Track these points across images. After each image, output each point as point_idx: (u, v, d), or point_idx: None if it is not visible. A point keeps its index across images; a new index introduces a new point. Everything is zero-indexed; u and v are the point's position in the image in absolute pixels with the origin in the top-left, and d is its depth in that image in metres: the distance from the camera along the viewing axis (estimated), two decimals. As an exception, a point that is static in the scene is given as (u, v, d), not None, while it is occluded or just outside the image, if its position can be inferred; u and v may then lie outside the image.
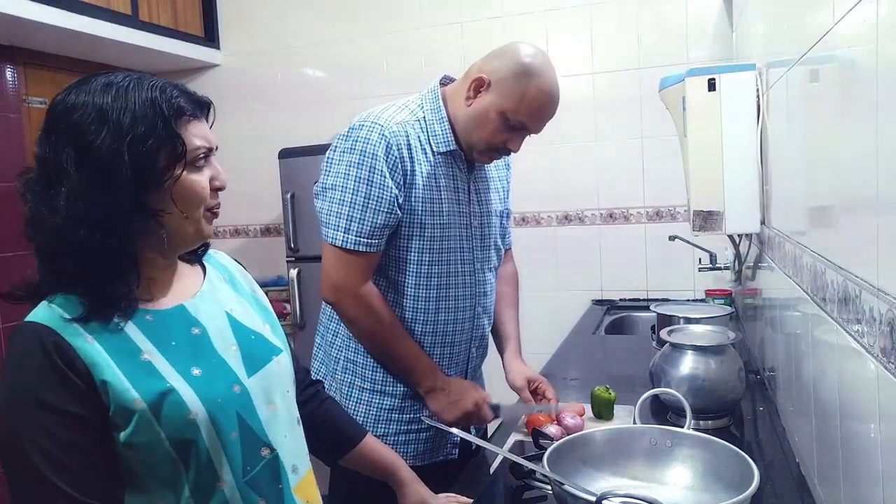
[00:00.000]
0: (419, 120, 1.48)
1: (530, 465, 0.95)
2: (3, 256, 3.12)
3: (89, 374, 0.84)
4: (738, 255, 2.27)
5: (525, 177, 2.59)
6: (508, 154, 1.52)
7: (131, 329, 0.88)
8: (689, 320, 1.93)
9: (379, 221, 1.40)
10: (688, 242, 2.59)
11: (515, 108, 1.41)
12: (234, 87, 3.76)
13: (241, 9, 3.83)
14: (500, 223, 1.67)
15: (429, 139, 1.47)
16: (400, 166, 1.41)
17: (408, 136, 1.43)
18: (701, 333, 1.58)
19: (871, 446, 0.80)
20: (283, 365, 1.03)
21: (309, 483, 1.03)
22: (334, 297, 1.46)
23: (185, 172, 0.89)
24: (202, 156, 0.92)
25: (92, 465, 0.84)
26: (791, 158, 1.32)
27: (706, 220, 1.75)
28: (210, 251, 1.08)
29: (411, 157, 1.43)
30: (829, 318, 0.97)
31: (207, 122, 0.97)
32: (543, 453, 1.02)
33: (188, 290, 0.99)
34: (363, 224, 1.39)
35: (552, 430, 1.41)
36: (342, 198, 1.40)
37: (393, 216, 1.42)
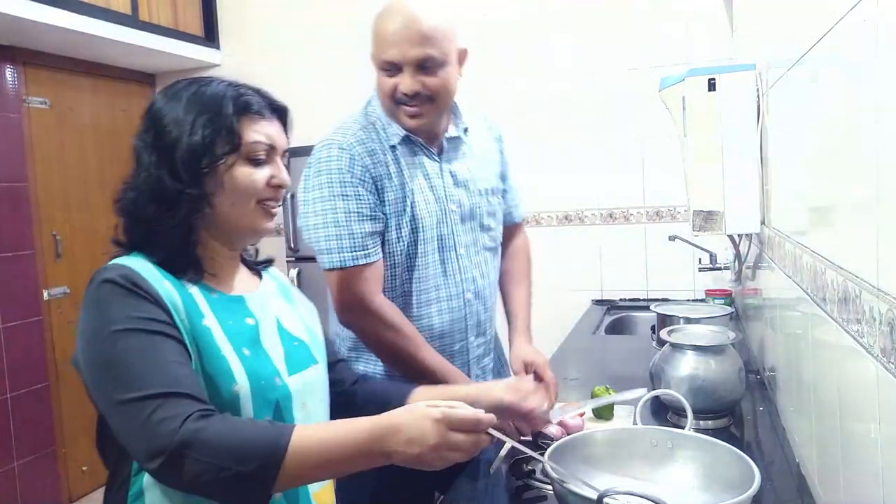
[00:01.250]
0: (371, 124, 1.49)
1: (537, 456, 0.95)
2: (4, 256, 3.12)
3: (167, 306, 0.91)
4: (738, 255, 2.27)
5: (525, 177, 2.59)
6: (416, 99, 1.41)
7: (198, 297, 0.97)
8: (689, 320, 1.93)
9: (366, 230, 1.41)
10: (688, 242, 2.60)
11: (375, 51, 1.43)
12: (234, 87, 3.75)
13: (241, 9, 3.83)
14: (496, 200, 1.62)
15: (382, 138, 1.47)
16: (369, 173, 1.43)
17: (364, 143, 1.45)
18: (701, 333, 1.58)
19: (871, 446, 0.80)
20: (319, 374, 1.09)
21: (328, 491, 1.07)
22: (350, 319, 1.45)
23: (238, 163, 0.97)
24: (261, 151, 0.99)
25: (184, 362, 0.89)
26: (791, 158, 1.32)
27: (706, 220, 1.75)
28: (270, 268, 1.17)
29: (374, 161, 1.44)
30: (829, 318, 0.96)
31: (283, 126, 1.06)
32: (543, 453, 1.02)
33: (248, 288, 1.07)
34: (353, 238, 1.40)
35: (552, 429, 1.41)
36: (325, 221, 1.41)
37: (378, 222, 1.43)
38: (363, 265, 1.41)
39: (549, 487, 1.17)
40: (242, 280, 1.07)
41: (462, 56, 1.49)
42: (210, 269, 1.00)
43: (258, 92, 1.03)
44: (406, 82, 1.40)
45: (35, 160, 3.31)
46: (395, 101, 1.43)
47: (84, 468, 3.51)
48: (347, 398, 1.18)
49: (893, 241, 0.69)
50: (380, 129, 1.48)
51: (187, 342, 0.91)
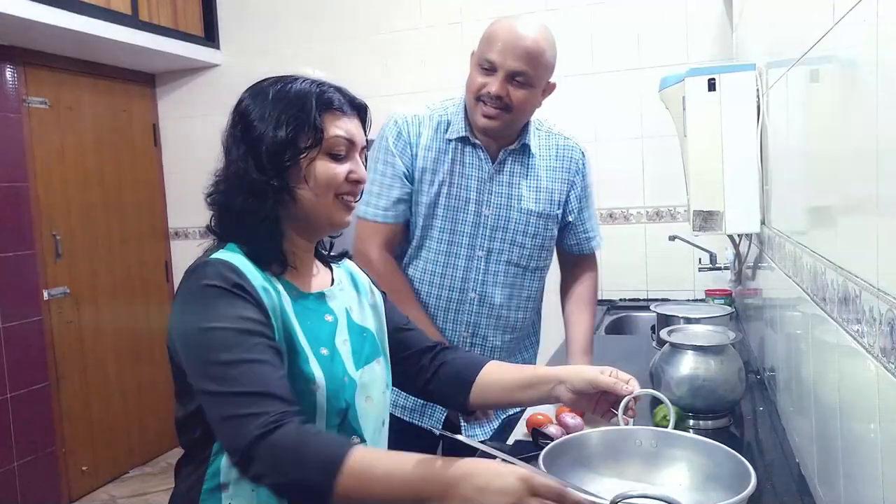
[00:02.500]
0: (441, 115, 1.64)
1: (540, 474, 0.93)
2: (4, 256, 3.12)
3: (265, 306, 0.96)
4: (738, 255, 2.27)
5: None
6: (495, 101, 1.52)
7: (284, 296, 1.01)
8: (689, 320, 1.93)
9: (393, 195, 1.61)
10: (688, 242, 2.60)
11: (481, 49, 1.54)
12: (233, 87, 3.71)
13: (241, 9, 3.83)
14: (541, 223, 1.67)
15: (446, 129, 1.63)
16: (409, 149, 1.61)
17: (419, 125, 1.62)
18: (701, 333, 1.57)
19: (871, 446, 0.80)
20: (382, 367, 1.13)
21: None
22: (357, 265, 1.55)
23: (320, 157, 1.01)
24: (342, 146, 1.03)
25: (274, 364, 0.93)
26: (791, 158, 1.31)
27: (706, 220, 1.75)
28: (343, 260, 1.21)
29: (419, 143, 1.61)
30: (829, 318, 0.96)
31: (363, 123, 1.09)
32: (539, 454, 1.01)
33: (324, 283, 1.12)
34: (380, 197, 1.61)
35: (552, 430, 1.41)
36: (370, 178, 1.59)
37: (404, 189, 1.61)
38: (374, 221, 1.61)
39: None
40: (319, 273, 1.12)
41: (549, 88, 1.62)
42: (292, 262, 1.04)
43: (339, 90, 1.06)
44: (496, 84, 1.51)
45: (35, 160, 3.31)
46: (477, 98, 1.54)
47: (84, 468, 3.51)
48: (420, 367, 1.22)
49: (893, 241, 0.69)
50: (447, 121, 1.63)
51: (279, 341, 0.96)
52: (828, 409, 1.01)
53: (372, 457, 0.89)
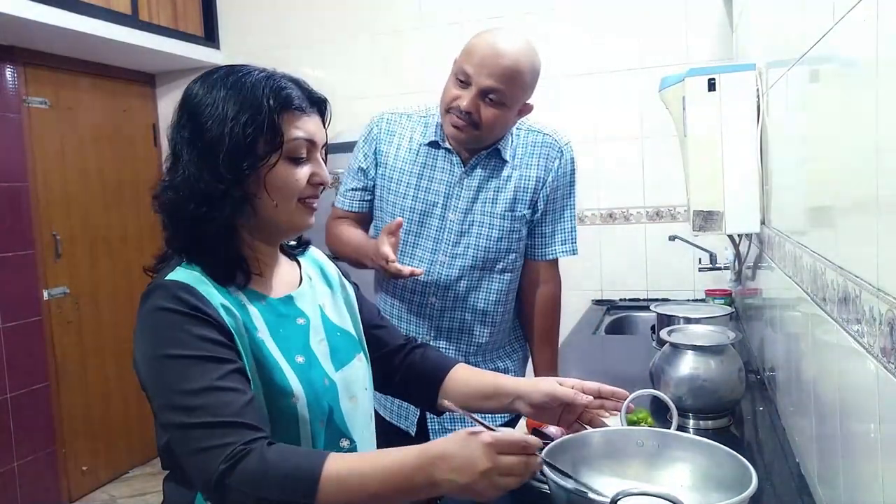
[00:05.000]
0: (421, 117, 1.64)
1: (579, 485, 0.92)
2: (4, 256, 3.12)
3: (226, 326, 0.91)
4: (738, 255, 2.27)
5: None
6: (463, 116, 1.49)
7: (250, 307, 0.96)
8: (689, 320, 1.93)
9: (349, 185, 1.68)
10: (688, 242, 2.60)
11: (460, 59, 1.52)
12: (234, 87, 3.75)
13: (241, 9, 3.83)
14: (507, 224, 1.61)
15: (423, 133, 1.62)
16: (373, 145, 1.65)
17: (393, 124, 1.65)
18: (701, 333, 1.57)
19: (871, 446, 0.80)
20: (363, 363, 1.10)
21: None
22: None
23: (280, 162, 0.94)
24: (303, 149, 0.97)
25: (239, 388, 0.88)
26: (791, 158, 1.31)
27: (706, 220, 1.75)
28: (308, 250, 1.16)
29: (389, 141, 1.63)
30: (829, 318, 0.96)
31: (323, 119, 1.02)
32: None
33: (292, 282, 1.06)
34: (345, 186, 1.70)
35: (552, 430, 1.41)
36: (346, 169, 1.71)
37: (362, 181, 1.67)
38: (339, 209, 1.71)
39: (547, 487, 1.16)
40: (285, 272, 1.06)
41: (525, 109, 1.59)
42: (255, 269, 0.99)
43: (297, 83, 1.00)
44: (467, 99, 1.49)
45: (35, 160, 3.31)
46: (448, 108, 1.53)
47: (84, 468, 3.51)
48: (392, 367, 1.20)
49: (893, 241, 0.69)
50: (425, 124, 1.64)
51: (246, 360, 0.91)
52: (828, 409, 1.01)
53: (347, 465, 0.85)
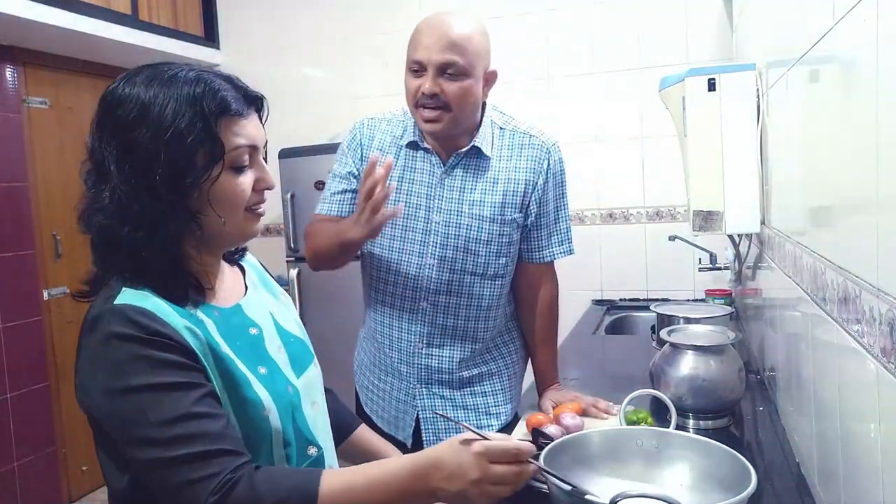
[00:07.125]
0: (401, 120, 1.62)
1: (550, 475, 0.93)
2: (4, 256, 3.12)
3: (191, 348, 0.84)
4: (738, 255, 2.27)
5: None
6: (433, 102, 1.46)
7: (208, 322, 0.89)
8: (689, 320, 1.93)
9: (336, 188, 1.62)
10: (688, 242, 2.60)
11: (408, 53, 1.50)
12: (234, 87, 3.75)
13: (241, 9, 3.83)
14: (495, 228, 1.58)
15: (401, 135, 1.60)
16: (359, 150, 1.61)
17: (374, 129, 1.62)
18: (701, 333, 1.58)
19: (871, 446, 0.80)
20: (318, 368, 1.08)
21: None
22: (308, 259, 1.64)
23: (223, 174, 0.87)
24: (245, 155, 0.90)
25: (212, 412, 0.83)
26: (791, 158, 1.31)
27: (706, 220, 1.75)
28: (246, 255, 1.11)
29: (370, 146, 1.60)
30: (829, 318, 0.96)
31: (260, 117, 0.95)
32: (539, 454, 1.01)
33: (238, 289, 1.01)
34: (329, 190, 1.63)
35: (552, 429, 1.41)
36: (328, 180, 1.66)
37: (349, 183, 1.60)
38: (321, 215, 1.63)
39: (546, 487, 1.16)
40: (229, 280, 1.01)
41: (490, 77, 1.54)
42: (206, 283, 0.93)
43: (230, 81, 0.92)
44: (427, 82, 1.46)
45: (35, 160, 3.31)
46: (416, 104, 1.49)
47: (84, 468, 3.51)
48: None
49: (893, 241, 0.69)
50: (404, 126, 1.61)
51: (214, 381, 0.86)
52: (828, 409, 1.01)
53: (343, 481, 0.83)
